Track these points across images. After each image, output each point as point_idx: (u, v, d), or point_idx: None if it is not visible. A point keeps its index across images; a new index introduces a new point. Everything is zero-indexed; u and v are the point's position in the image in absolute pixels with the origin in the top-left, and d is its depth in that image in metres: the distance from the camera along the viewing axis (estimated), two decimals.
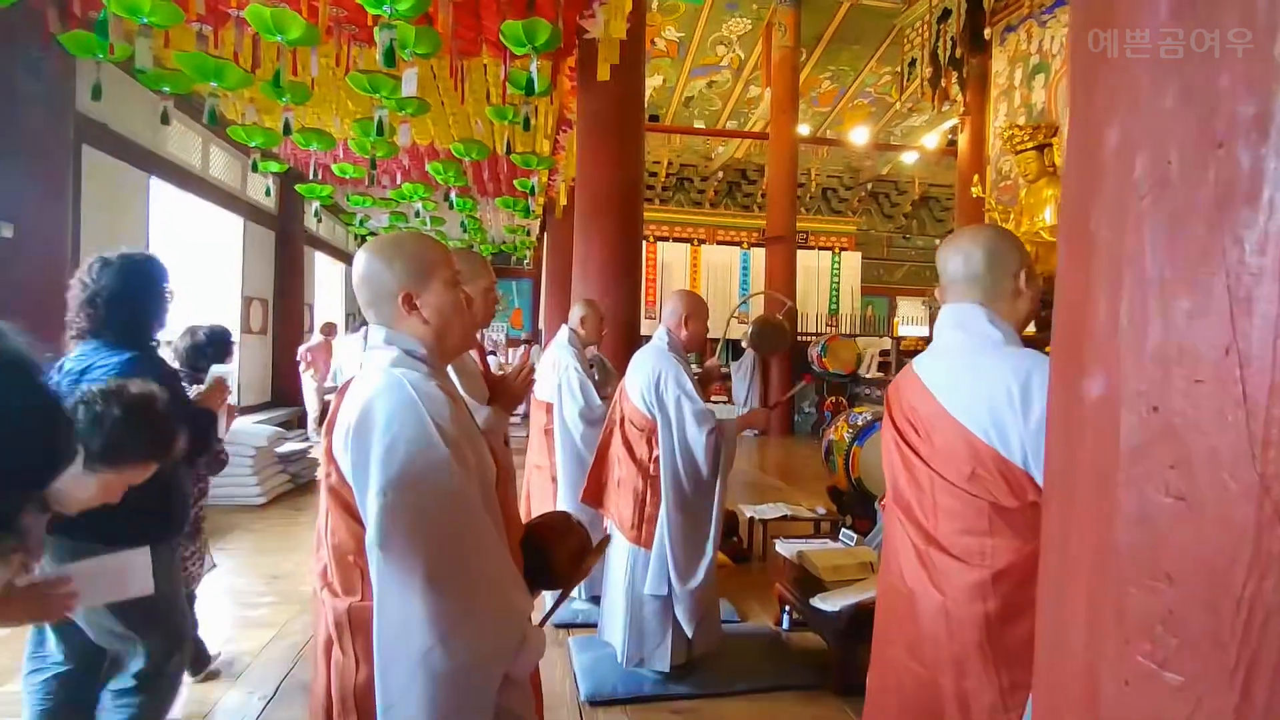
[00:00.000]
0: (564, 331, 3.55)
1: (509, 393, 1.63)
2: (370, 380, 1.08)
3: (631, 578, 2.59)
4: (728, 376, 10.20)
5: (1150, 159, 0.51)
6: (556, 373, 3.39)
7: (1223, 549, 0.45)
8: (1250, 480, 0.44)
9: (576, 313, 3.57)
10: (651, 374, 2.54)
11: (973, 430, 1.22)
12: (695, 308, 2.67)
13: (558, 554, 1.28)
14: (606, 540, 1.34)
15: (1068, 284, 0.63)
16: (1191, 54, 0.48)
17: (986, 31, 6.62)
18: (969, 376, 1.28)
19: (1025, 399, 1.16)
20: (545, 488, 3.57)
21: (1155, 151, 0.50)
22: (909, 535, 1.32)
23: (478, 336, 1.60)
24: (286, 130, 4.82)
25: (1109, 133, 0.56)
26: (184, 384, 2.13)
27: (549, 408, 3.50)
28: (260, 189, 8.40)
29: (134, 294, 1.84)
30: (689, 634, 2.58)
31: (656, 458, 2.52)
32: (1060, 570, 0.63)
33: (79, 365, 1.77)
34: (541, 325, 12.58)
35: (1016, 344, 1.29)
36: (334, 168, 7.14)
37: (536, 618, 1.19)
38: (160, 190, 6.69)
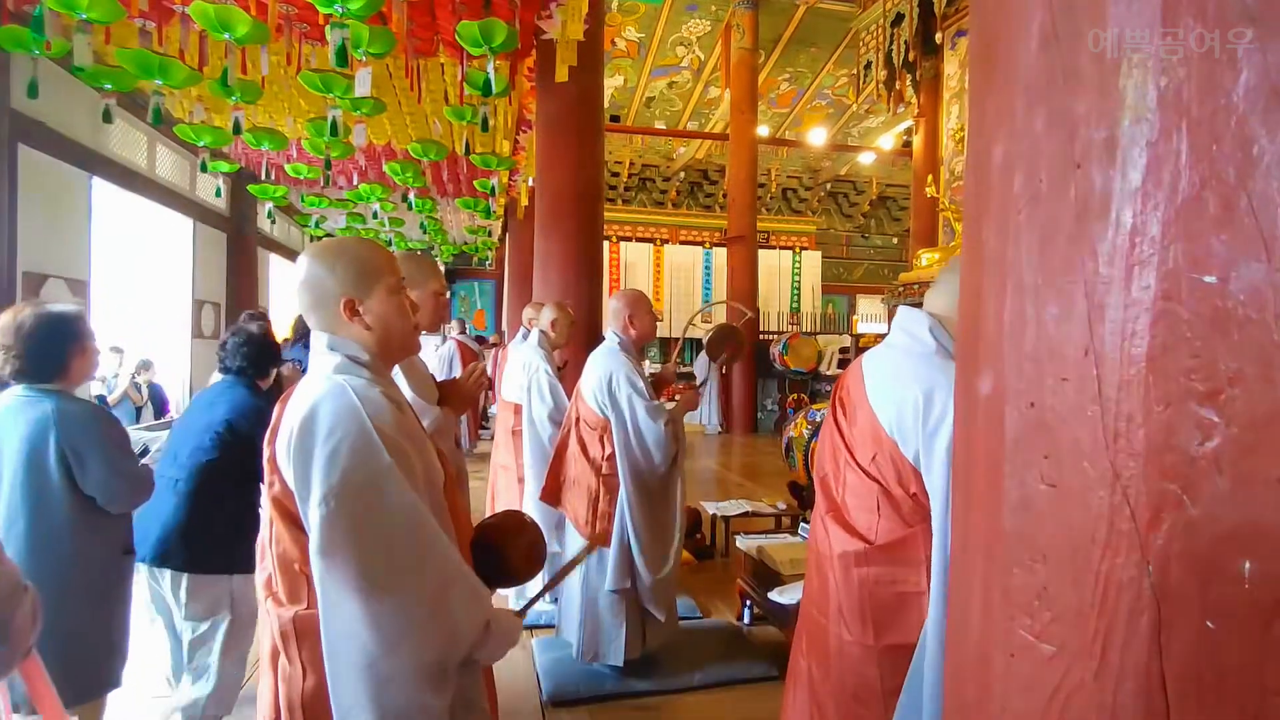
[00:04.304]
0: (535, 334, 3.54)
1: (459, 395, 1.64)
2: (313, 387, 1.08)
3: (586, 573, 2.62)
4: (687, 376, 10.30)
5: (1026, 176, 0.56)
6: (526, 374, 3.38)
7: (1084, 530, 0.50)
8: (1104, 467, 0.49)
9: (547, 315, 3.57)
10: (603, 374, 2.59)
11: (881, 421, 1.35)
12: (637, 304, 2.73)
13: (511, 552, 1.30)
14: (595, 545, 1.35)
15: (966, 290, 0.68)
16: (1056, 83, 0.53)
17: (938, 36, 6.82)
18: (892, 374, 1.40)
19: (926, 408, 1.29)
20: (511, 488, 3.56)
21: (1029, 170, 0.55)
22: (821, 503, 1.47)
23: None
24: (236, 129, 4.71)
25: (995, 151, 0.61)
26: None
27: (517, 409, 3.49)
28: (210, 189, 8.17)
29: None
30: (662, 620, 2.62)
31: (609, 456, 2.56)
32: (963, 554, 0.68)
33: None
34: (504, 326, 12.49)
35: (947, 357, 1.39)
36: (288, 168, 6.98)
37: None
38: (103, 190, 6.46)
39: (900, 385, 1.35)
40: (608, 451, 2.57)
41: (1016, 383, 0.56)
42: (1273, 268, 0.42)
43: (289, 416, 1.07)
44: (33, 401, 1.80)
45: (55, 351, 1.82)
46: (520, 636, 1.18)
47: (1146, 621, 0.46)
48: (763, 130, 11.85)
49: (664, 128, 13.15)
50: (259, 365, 2.33)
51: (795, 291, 13.43)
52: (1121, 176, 0.48)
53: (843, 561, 1.36)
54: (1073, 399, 0.51)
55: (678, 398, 2.76)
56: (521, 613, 1.25)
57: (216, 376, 2.41)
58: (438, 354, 8.36)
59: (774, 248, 13.16)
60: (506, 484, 3.62)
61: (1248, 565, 0.43)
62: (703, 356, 9.88)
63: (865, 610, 1.34)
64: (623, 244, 12.55)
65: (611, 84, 11.29)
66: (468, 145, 5.63)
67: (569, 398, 3.30)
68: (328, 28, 3.48)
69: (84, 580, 1.84)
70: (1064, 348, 0.52)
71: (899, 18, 6.92)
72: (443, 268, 13.44)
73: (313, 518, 1.01)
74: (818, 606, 1.45)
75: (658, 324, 2.84)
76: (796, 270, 13.47)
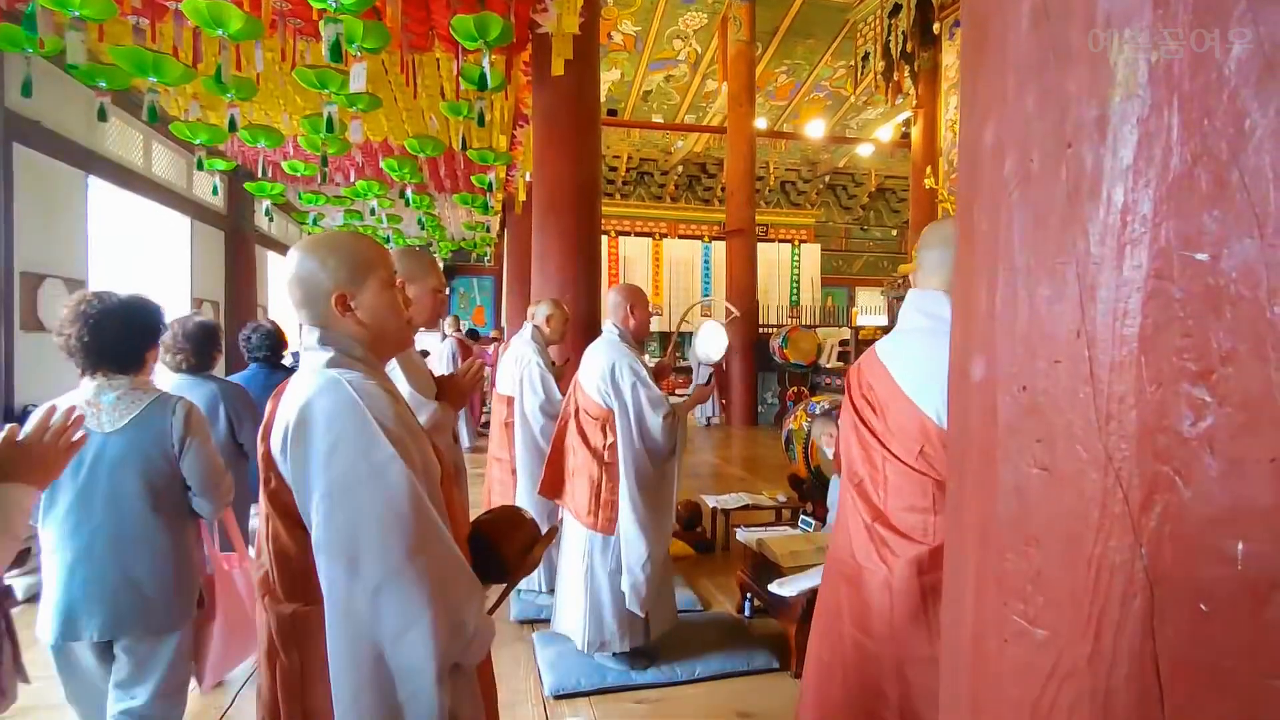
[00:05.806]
0: (528, 328, 3.58)
1: (456, 389, 1.63)
2: (307, 382, 1.06)
3: (590, 564, 2.62)
4: (684, 370, 10.34)
5: (1017, 157, 0.55)
6: (519, 367, 3.42)
7: (1076, 513, 0.49)
8: (1097, 450, 0.48)
9: (542, 310, 3.60)
10: (606, 364, 2.59)
11: (924, 409, 1.27)
12: (636, 298, 2.76)
13: (508, 548, 1.29)
14: (555, 529, 1.34)
15: (959, 274, 0.67)
16: (1047, 61, 0.52)
17: (936, 26, 6.79)
18: (924, 358, 1.30)
19: None
20: (505, 480, 3.60)
21: (1021, 150, 0.55)
22: (860, 512, 1.36)
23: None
24: (232, 127, 4.69)
25: (986, 132, 0.60)
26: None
27: (510, 401, 3.53)
28: (207, 187, 8.15)
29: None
30: (639, 614, 2.62)
31: (611, 444, 2.57)
32: (957, 541, 0.68)
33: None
34: (504, 322, 12.47)
35: None
36: (284, 165, 6.96)
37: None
38: (100, 189, 6.44)
39: (938, 364, 1.26)
40: (609, 440, 2.57)
41: (1009, 366, 0.56)
42: (1265, 244, 0.42)
43: (283, 412, 1.05)
44: (198, 383, 2.56)
45: (210, 348, 2.60)
46: (493, 639, 1.17)
47: (1139, 605, 0.46)
48: (760, 123, 11.81)
49: (661, 121, 13.10)
50: (278, 351, 3.24)
51: (794, 284, 13.41)
52: (1113, 155, 0.47)
53: (909, 569, 1.26)
54: (1065, 381, 0.50)
55: (680, 391, 2.77)
56: (490, 612, 1.22)
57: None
58: (439, 355, 8.32)
59: (773, 241, 13.14)
60: (500, 475, 3.67)
61: (1241, 547, 0.43)
62: (694, 351, 9.92)
63: (929, 620, 1.23)
64: (621, 238, 12.53)
65: (608, 78, 11.24)
66: (464, 140, 5.60)
67: (563, 392, 3.33)
68: (321, 23, 3.46)
69: (240, 500, 2.50)
70: (1056, 330, 0.51)
71: (896, 8, 6.89)
72: (441, 264, 13.42)
73: (316, 513, 0.99)
74: (860, 626, 1.33)
75: (657, 317, 2.86)
76: (796, 263, 13.44)
